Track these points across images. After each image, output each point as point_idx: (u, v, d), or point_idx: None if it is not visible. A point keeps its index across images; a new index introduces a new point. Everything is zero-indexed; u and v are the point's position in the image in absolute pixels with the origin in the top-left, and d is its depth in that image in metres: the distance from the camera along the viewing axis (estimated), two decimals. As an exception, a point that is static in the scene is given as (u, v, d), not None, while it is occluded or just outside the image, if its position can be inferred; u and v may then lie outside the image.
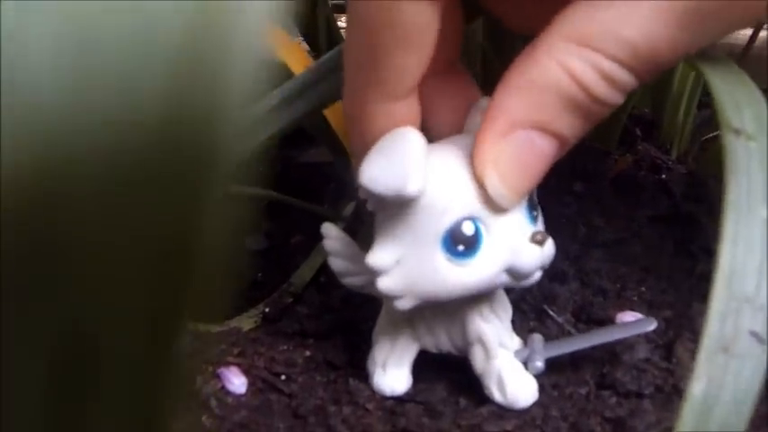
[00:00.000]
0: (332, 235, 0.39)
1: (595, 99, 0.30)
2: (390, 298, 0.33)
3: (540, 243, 0.33)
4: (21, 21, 0.10)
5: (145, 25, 0.11)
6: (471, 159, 0.32)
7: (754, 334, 0.24)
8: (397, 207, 0.32)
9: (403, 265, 0.33)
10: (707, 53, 0.32)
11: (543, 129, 0.31)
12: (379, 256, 0.33)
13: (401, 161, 0.31)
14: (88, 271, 0.11)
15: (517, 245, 0.33)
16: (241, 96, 0.12)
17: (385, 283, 0.33)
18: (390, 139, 0.32)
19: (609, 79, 0.29)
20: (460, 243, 0.32)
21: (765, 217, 0.26)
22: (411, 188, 0.31)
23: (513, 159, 0.31)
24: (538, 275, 0.34)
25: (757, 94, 0.30)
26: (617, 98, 0.30)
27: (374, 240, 0.34)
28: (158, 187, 0.11)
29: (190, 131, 0.11)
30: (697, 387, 0.24)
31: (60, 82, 0.10)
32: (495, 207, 0.32)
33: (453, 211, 0.32)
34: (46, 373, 0.12)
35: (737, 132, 0.28)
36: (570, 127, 0.31)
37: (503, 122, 0.31)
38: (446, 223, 0.32)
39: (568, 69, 0.29)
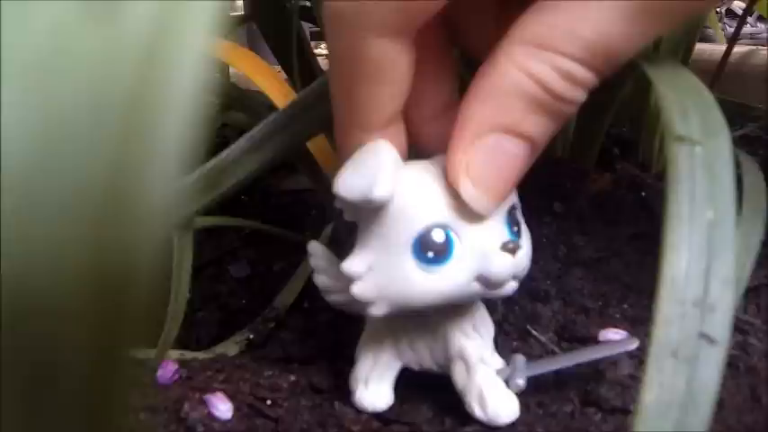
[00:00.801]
0: (317, 253, 0.39)
1: (558, 97, 0.31)
2: (364, 304, 0.34)
3: (512, 252, 0.33)
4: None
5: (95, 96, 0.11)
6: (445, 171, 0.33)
7: (704, 336, 0.24)
8: (371, 215, 0.33)
9: (375, 272, 0.33)
10: (656, 58, 0.32)
11: (511, 131, 0.31)
12: (352, 262, 0.34)
13: (369, 168, 0.32)
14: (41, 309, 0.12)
15: (487, 253, 0.33)
16: (179, 150, 0.12)
17: (358, 289, 0.34)
18: (363, 150, 0.33)
19: (568, 77, 0.30)
20: (430, 250, 0.32)
21: (712, 218, 0.26)
22: (377, 193, 0.31)
23: (485, 163, 0.32)
24: (512, 286, 0.35)
25: (709, 99, 0.30)
26: (578, 95, 0.31)
27: (352, 248, 0.35)
28: (101, 239, 0.12)
29: (131, 193, 0.12)
30: (648, 396, 0.24)
31: (26, 146, 0.11)
32: (469, 216, 0.33)
33: (423, 219, 0.33)
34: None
35: (681, 139, 0.28)
36: (537, 126, 0.31)
37: (471, 129, 0.32)
38: (416, 230, 0.32)
39: (528, 71, 0.30)
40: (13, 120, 0.11)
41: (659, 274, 0.25)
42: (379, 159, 0.32)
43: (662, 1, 0.29)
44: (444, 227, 0.33)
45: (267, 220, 0.52)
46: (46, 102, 0.11)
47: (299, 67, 0.55)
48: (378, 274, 0.33)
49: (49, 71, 0.11)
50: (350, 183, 0.32)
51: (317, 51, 0.60)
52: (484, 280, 0.33)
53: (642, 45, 0.31)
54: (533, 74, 0.30)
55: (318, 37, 0.60)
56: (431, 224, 0.33)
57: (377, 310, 0.34)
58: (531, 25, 0.30)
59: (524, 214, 0.35)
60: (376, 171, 0.32)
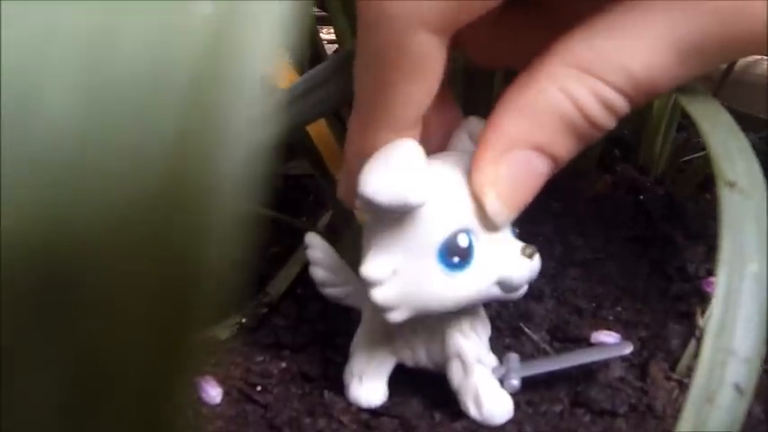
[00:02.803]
0: (315, 245, 0.39)
1: (592, 123, 0.31)
2: (383, 310, 0.33)
3: (530, 257, 0.34)
4: (36, 48, 0.10)
5: (155, 66, 0.11)
6: (467, 175, 0.33)
7: (736, 386, 0.26)
8: (395, 218, 0.32)
9: (398, 277, 0.33)
10: (689, 88, 0.33)
11: (541, 150, 0.32)
12: (374, 266, 0.33)
13: (404, 171, 0.31)
14: (98, 302, 0.11)
15: (508, 258, 0.33)
16: (250, 124, 0.12)
17: (380, 295, 0.33)
18: (391, 151, 0.32)
19: (606, 105, 0.31)
20: (455, 255, 0.32)
21: (756, 272, 0.27)
22: (415, 197, 0.31)
23: (511, 178, 0.32)
24: (524, 289, 0.35)
25: (745, 143, 0.31)
26: (611, 122, 0.31)
27: (367, 251, 0.33)
28: (166, 221, 0.11)
29: (195, 173, 0.11)
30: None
31: (74, 110, 0.10)
32: (486, 222, 0.33)
33: (450, 223, 0.32)
34: (57, 400, 0.12)
35: (732, 185, 0.29)
36: (565, 148, 0.32)
37: (502, 142, 0.32)
38: (443, 235, 0.32)
39: (569, 94, 0.30)
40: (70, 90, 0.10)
41: (709, 318, 0.27)
42: (412, 161, 0.31)
43: (715, 43, 0.29)
44: (467, 231, 0.33)
45: (263, 204, 0.52)
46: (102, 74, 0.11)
47: (309, 51, 0.54)
48: (401, 279, 0.33)
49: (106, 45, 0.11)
50: (382, 185, 0.31)
51: (322, 35, 0.60)
52: (504, 284, 0.33)
53: (684, 81, 0.31)
54: (573, 97, 0.30)
55: (323, 21, 0.60)
56: (457, 229, 0.32)
57: (398, 316, 0.33)
58: (577, 48, 0.31)
59: (521, 212, 0.35)
60: (411, 174, 0.31)
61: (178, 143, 0.11)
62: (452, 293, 0.33)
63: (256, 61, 0.12)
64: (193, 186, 0.11)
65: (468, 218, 0.33)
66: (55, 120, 0.10)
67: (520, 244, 0.34)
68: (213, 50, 0.11)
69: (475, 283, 0.33)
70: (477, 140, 0.34)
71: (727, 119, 0.32)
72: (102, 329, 0.11)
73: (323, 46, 0.57)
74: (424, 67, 0.31)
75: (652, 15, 0.29)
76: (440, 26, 0.30)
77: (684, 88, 0.33)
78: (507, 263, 0.33)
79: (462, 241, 0.32)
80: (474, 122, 0.35)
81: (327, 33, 0.67)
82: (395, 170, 0.31)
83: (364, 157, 0.33)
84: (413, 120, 0.33)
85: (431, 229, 0.32)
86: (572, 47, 0.31)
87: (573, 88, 0.30)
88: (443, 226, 0.32)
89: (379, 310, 0.33)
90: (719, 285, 0.27)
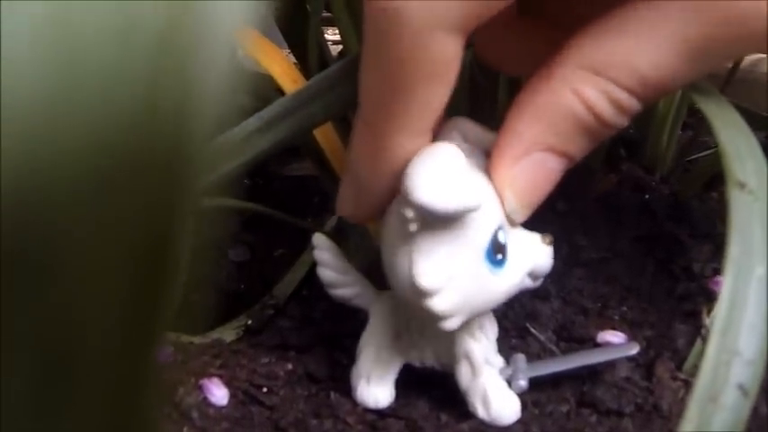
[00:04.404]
0: (322, 246, 0.39)
1: (604, 123, 0.32)
2: (442, 318, 0.33)
3: (550, 244, 0.35)
4: (2, 20, 0.10)
5: (125, 23, 0.11)
6: (485, 174, 0.33)
7: (740, 387, 0.26)
8: (441, 223, 0.32)
9: (455, 283, 0.32)
10: (701, 86, 0.33)
11: (556, 150, 0.32)
12: (430, 275, 0.32)
13: (458, 176, 0.31)
14: (67, 270, 0.11)
15: (534, 248, 0.35)
16: (216, 99, 0.12)
17: (441, 304, 0.32)
18: (434, 156, 0.32)
19: (617, 105, 0.31)
20: (498, 252, 0.33)
21: (763, 275, 0.27)
22: (473, 202, 0.31)
23: (528, 180, 0.33)
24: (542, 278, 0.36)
25: (755, 143, 0.31)
26: (623, 121, 0.32)
27: (414, 261, 0.32)
28: (135, 190, 0.11)
29: (165, 134, 0.11)
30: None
31: (41, 79, 0.10)
32: (508, 219, 0.34)
33: (493, 222, 0.33)
34: (29, 373, 0.12)
35: (742, 186, 0.29)
36: (579, 147, 0.33)
37: (518, 145, 0.32)
38: (489, 234, 0.33)
39: (582, 96, 0.31)
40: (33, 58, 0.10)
41: (714, 318, 0.27)
42: (460, 165, 0.31)
43: (721, 42, 0.30)
44: (502, 228, 0.33)
45: (269, 205, 0.52)
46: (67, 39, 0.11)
47: (316, 53, 0.54)
48: (457, 284, 0.32)
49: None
50: (437, 191, 0.30)
51: (327, 36, 0.60)
52: (534, 274, 0.35)
53: (694, 80, 0.32)
54: (586, 99, 0.31)
55: (327, 22, 0.59)
56: (497, 226, 0.33)
57: (456, 322, 0.33)
58: (587, 50, 0.31)
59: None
60: (465, 178, 0.31)
61: (144, 103, 0.11)
62: (498, 290, 0.34)
63: (224, 22, 0.12)
64: (162, 145, 0.11)
65: (501, 216, 0.33)
66: (20, 79, 0.10)
67: (537, 234, 0.35)
68: (181, 12, 0.11)
69: (514, 276, 0.34)
70: (471, 140, 0.34)
71: (737, 118, 0.32)
72: (74, 303, 0.11)
73: (327, 47, 0.57)
74: (444, 70, 0.31)
75: (659, 16, 0.30)
76: (458, 26, 0.30)
77: (696, 87, 0.33)
78: (534, 253, 0.35)
79: (502, 238, 0.33)
80: (463, 123, 0.35)
81: (332, 34, 0.67)
82: (446, 175, 0.31)
83: (378, 165, 0.33)
84: (431, 124, 0.32)
85: (479, 231, 0.32)
86: (582, 49, 0.31)
87: (585, 90, 0.31)
88: (489, 226, 0.33)
89: (437, 320, 0.33)
90: (726, 286, 0.27)
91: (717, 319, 0.27)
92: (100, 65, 0.11)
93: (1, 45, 0.10)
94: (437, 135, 0.35)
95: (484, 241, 0.33)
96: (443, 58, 0.30)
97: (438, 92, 0.32)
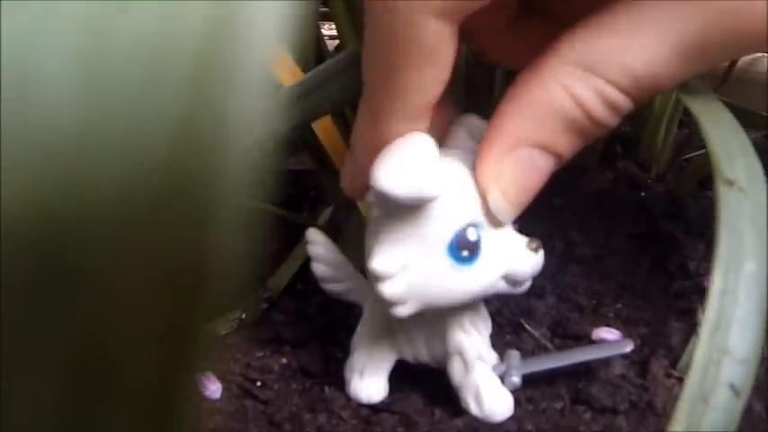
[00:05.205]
0: (316, 240, 0.39)
1: (595, 121, 0.31)
2: (390, 304, 0.33)
3: (536, 250, 0.34)
4: (35, 36, 0.10)
5: (160, 40, 0.11)
6: (473, 170, 0.33)
7: (732, 387, 0.25)
8: (405, 212, 0.32)
9: (408, 271, 0.33)
10: (690, 85, 0.33)
11: (544, 147, 0.32)
12: (384, 260, 0.33)
13: (419, 165, 0.31)
14: (100, 291, 0.11)
15: (514, 252, 0.34)
16: (252, 116, 0.12)
17: (389, 289, 0.33)
18: (404, 144, 0.32)
19: (609, 103, 0.31)
20: (465, 249, 0.32)
21: (753, 271, 0.27)
22: (431, 191, 0.31)
23: (515, 176, 0.32)
24: (528, 284, 0.35)
25: (746, 141, 0.31)
26: (614, 120, 0.32)
27: (374, 245, 0.33)
28: (168, 210, 0.11)
29: (197, 161, 0.11)
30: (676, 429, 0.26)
31: (73, 96, 0.10)
32: (492, 218, 0.33)
33: (461, 217, 0.32)
34: (59, 389, 0.12)
35: (730, 183, 0.29)
36: (568, 145, 0.32)
37: (506, 140, 0.32)
38: (454, 229, 0.32)
39: (572, 93, 0.31)
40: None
41: (704, 317, 0.27)
42: (426, 154, 0.31)
43: (717, 42, 0.30)
44: (476, 226, 0.33)
45: (263, 199, 0.52)
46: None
47: (312, 47, 0.54)
48: (411, 273, 0.33)
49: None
50: (397, 178, 0.31)
51: (323, 31, 0.60)
52: (509, 278, 0.34)
53: (686, 79, 0.31)
54: (577, 97, 0.31)
55: (324, 17, 0.59)
56: (467, 223, 0.32)
57: (405, 310, 0.33)
58: (579, 46, 0.31)
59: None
60: (426, 167, 0.31)
61: (178, 131, 0.11)
62: (461, 287, 0.33)
63: (258, 52, 0.11)
64: (195, 174, 0.11)
65: (477, 213, 0.33)
66: (53, 106, 0.10)
67: (525, 238, 0.34)
68: (214, 39, 0.11)
69: (482, 277, 0.33)
70: (477, 137, 0.34)
71: (727, 116, 0.32)
72: (104, 320, 0.11)
73: (324, 42, 0.57)
74: (435, 55, 0.31)
75: (654, 14, 0.30)
76: (446, 11, 0.30)
77: (685, 85, 0.33)
78: (513, 257, 0.34)
79: (471, 235, 0.33)
80: (472, 120, 0.35)
81: (329, 29, 0.67)
82: (410, 163, 0.31)
83: (374, 146, 0.33)
84: (424, 108, 0.32)
85: (442, 224, 0.32)
86: (575, 46, 0.31)
87: (576, 87, 0.31)
88: (454, 220, 0.32)
89: (386, 305, 0.33)
90: (715, 283, 0.27)
91: (706, 317, 0.27)
92: (132, 93, 0.11)
93: (31, 78, 0.10)
94: (444, 131, 0.35)
95: (447, 235, 0.32)
96: (433, 44, 0.30)
97: (428, 76, 0.32)
